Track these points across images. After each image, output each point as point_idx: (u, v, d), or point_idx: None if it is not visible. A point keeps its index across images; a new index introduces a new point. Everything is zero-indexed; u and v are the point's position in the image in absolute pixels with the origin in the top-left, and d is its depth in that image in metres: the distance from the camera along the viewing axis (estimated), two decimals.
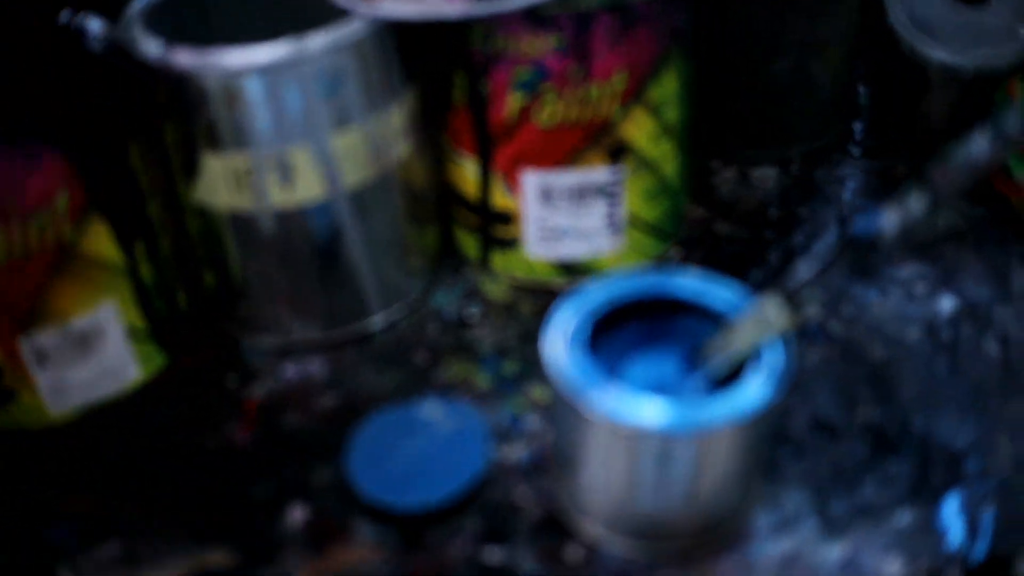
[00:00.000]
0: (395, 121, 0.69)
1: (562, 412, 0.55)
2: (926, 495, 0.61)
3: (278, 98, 0.63)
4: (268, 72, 0.62)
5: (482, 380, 0.72)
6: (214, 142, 0.64)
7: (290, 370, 0.74)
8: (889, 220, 0.49)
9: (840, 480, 0.62)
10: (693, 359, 0.57)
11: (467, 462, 0.65)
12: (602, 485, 0.56)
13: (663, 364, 0.59)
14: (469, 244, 0.79)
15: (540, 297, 0.78)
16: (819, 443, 0.66)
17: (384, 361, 0.75)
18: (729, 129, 0.89)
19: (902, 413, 0.67)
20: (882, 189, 0.88)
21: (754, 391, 0.52)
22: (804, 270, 0.53)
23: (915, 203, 0.47)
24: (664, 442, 0.51)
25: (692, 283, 0.59)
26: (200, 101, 0.63)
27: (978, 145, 0.46)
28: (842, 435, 0.66)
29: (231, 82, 0.62)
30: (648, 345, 0.60)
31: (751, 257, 0.81)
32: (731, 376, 0.55)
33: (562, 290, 0.78)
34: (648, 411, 0.51)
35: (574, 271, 0.76)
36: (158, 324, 0.71)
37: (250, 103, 0.63)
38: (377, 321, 0.77)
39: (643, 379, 0.58)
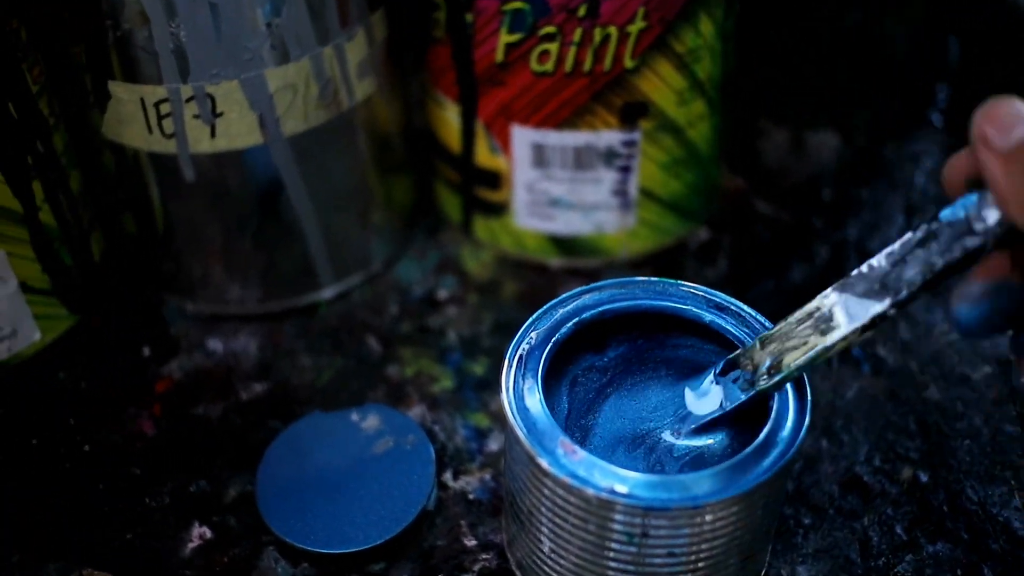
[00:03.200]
0: (354, 53, 0.60)
1: (518, 464, 0.48)
2: None
3: (200, 17, 0.55)
4: None
5: (443, 380, 0.63)
6: (124, 68, 0.57)
7: (215, 345, 0.65)
8: None
9: (869, 561, 0.54)
10: (721, 375, 0.50)
11: (405, 495, 0.56)
12: (548, 548, 0.49)
13: (649, 401, 0.52)
14: (450, 204, 0.71)
15: (528, 276, 0.69)
16: (848, 509, 0.56)
17: (328, 343, 0.65)
18: (782, 82, 0.79)
19: (955, 478, 0.57)
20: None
21: (760, 451, 0.45)
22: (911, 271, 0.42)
23: None
24: (644, 515, 0.44)
25: (696, 298, 0.52)
26: (108, 14, 0.55)
27: None
28: (877, 501, 0.56)
29: None
30: (634, 375, 0.52)
31: (794, 248, 0.71)
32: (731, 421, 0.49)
33: (556, 269, 0.69)
34: (626, 476, 0.44)
35: (572, 249, 0.68)
36: (62, 278, 0.63)
37: (164, 21, 0.54)
38: (326, 292, 0.67)
39: (623, 425, 0.51)
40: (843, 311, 0.43)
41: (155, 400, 0.62)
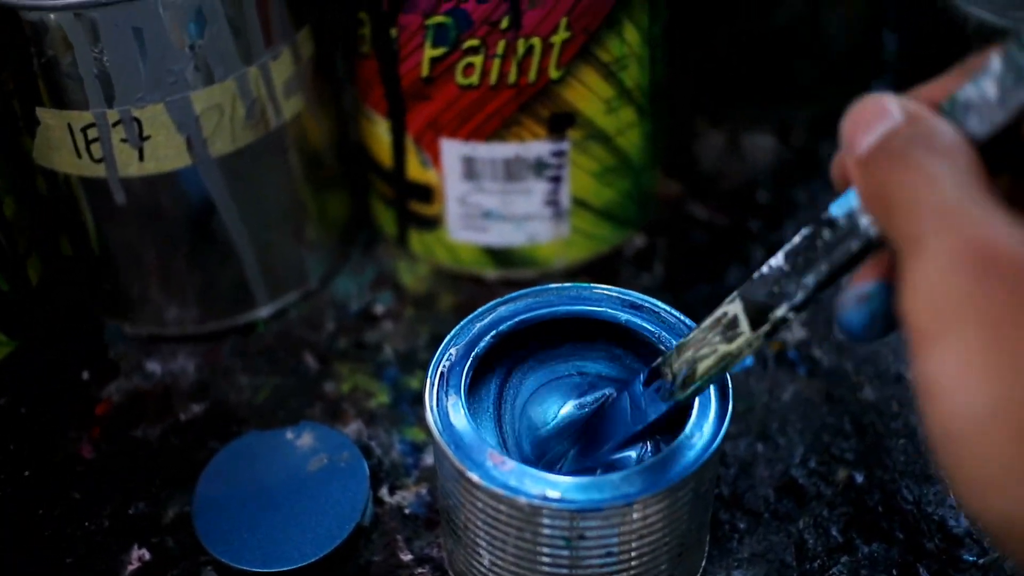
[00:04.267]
0: (280, 72, 0.60)
1: (449, 481, 0.48)
2: None
3: (123, 41, 0.54)
4: (110, 7, 0.53)
5: (379, 395, 0.62)
6: (51, 94, 0.56)
7: (155, 366, 0.65)
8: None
9: (804, 564, 0.53)
10: (645, 385, 0.49)
11: (340, 511, 0.55)
12: (488, 561, 0.49)
13: (570, 405, 0.52)
14: (386, 218, 0.70)
15: (465, 288, 0.68)
16: (784, 512, 0.55)
17: (265, 361, 0.65)
18: (717, 84, 0.79)
19: (891, 477, 0.57)
20: None
21: (685, 446, 0.45)
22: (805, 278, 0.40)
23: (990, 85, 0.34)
24: (577, 517, 0.44)
25: (611, 299, 0.52)
26: (32, 40, 0.54)
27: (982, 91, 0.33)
28: (813, 504, 0.56)
29: (65, 18, 0.53)
30: (556, 383, 0.53)
31: (730, 252, 0.70)
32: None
33: (492, 281, 0.68)
34: (556, 480, 0.44)
35: (507, 261, 0.68)
36: (0, 303, 0.62)
37: (87, 47, 0.54)
38: (262, 311, 0.67)
39: (548, 431, 0.51)
40: (745, 315, 0.42)
41: (94, 423, 0.61)
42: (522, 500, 0.43)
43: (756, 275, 0.41)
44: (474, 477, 0.44)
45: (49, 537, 0.56)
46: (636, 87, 0.62)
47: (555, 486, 0.44)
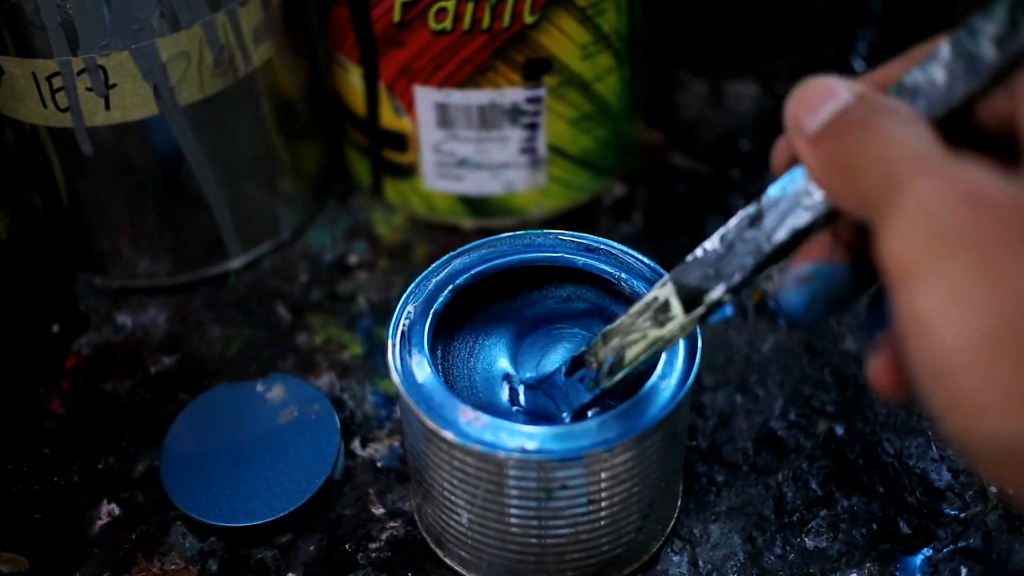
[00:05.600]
0: (249, 18, 0.59)
1: (420, 442, 0.47)
2: (889, 546, 0.51)
3: None
4: None
5: (353, 347, 0.61)
6: (15, 42, 0.55)
7: (124, 319, 0.64)
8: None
9: (783, 518, 0.53)
10: (567, 375, 0.48)
11: (311, 465, 0.54)
12: (467, 519, 0.48)
13: (539, 359, 0.51)
14: (360, 168, 0.69)
15: (441, 238, 0.67)
16: (762, 465, 0.55)
17: (238, 312, 0.64)
18: (698, 34, 0.77)
19: (872, 430, 0.56)
20: None
21: (651, 395, 0.45)
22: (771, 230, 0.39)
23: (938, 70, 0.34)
24: (542, 468, 0.44)
25: (566, 244, 0.51)
26: None
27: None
28: (792, 456, 0.55)
29: None
30: (523, 334, 0.52)
31: (710, 201, 0.69)
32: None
33: (469, 230, 0.68)
34: (532, 431, 0.44)
35: (483, 210, 0.67)
36: None
37: None
38: (234, 262, 0.66)
39: (512, 383, 0.51)
40: (678, 299, 0.41)
41: (64, 377, 0.60)
42: (500, 455, 0.43)
43: (689, 258, 0.40)
44: (449, 436, 0.43)
45: (18, 493, 0.55)
46: (613, 32, 0.61)
47: (531, 437, 0.43)
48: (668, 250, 0.64)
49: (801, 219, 0.36)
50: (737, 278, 0.38)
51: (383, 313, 0.63)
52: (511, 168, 0.64)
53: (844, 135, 0.33)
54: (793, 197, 0.36)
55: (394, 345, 0.47)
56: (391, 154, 0.65)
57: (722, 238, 0.38)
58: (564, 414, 0.47)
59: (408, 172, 0.65)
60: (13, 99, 0.57)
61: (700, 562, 0.51)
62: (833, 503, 0.53)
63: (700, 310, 0.40)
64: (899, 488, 0.53)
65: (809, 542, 0.51)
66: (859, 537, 0.51)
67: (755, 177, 0.70)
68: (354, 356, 0.60)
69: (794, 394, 0.57)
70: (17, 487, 0.55)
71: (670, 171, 0.71)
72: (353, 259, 0.66)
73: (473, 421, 0.44)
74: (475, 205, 0.66)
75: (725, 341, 0.59)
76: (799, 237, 0.36)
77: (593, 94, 0.63)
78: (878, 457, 0.54)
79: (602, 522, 0.46)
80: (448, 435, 0.43)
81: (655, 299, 0.42)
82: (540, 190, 0.65)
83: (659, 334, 0.42)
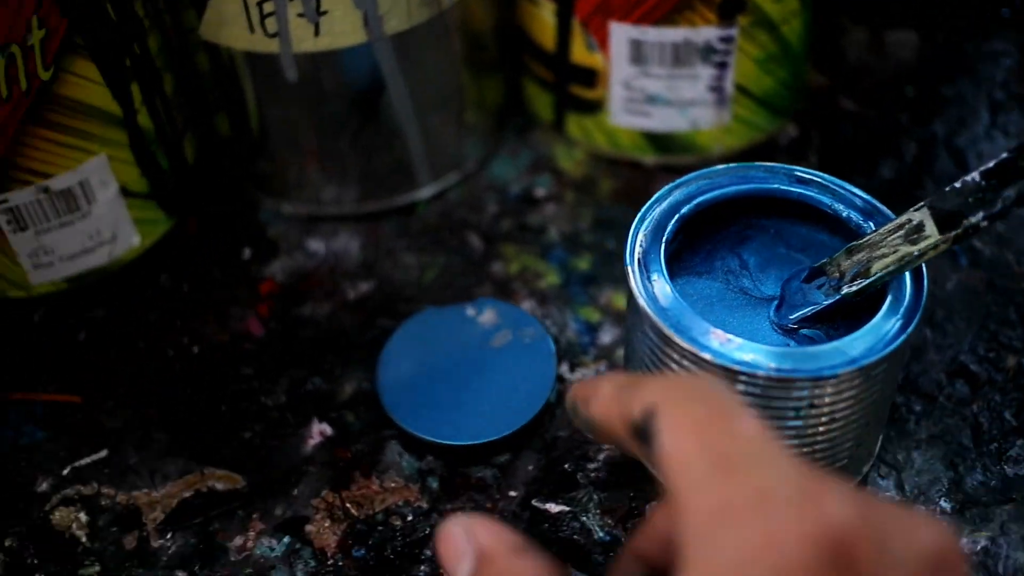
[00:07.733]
0: None
1: (653, 357, 0.47)
2: None
3: None
4: None
5: (548, 276, 0.62)
6: None
7: (316, 245, 0.65)
8: None
9: (981, 447, 0.54)
10: (805, 282, 0.50)
11: (528, 387, 0.55)
12: None
13: (767, 285, 0.52)
14: (541, 103, 0.70)
15: (623, 173, 0.68)
16: (957, 397, 0.56)
17: (429, 242, 0.65)
18: None
19: None
20: None
21: (876, 330, 0.45)
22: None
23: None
24: (768, 386, 0.44)
25: (811, 183, 0.51)
26: None
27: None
28: (985, 388, 0.56)
29: None
30: (752, 260, 0.53)
31: (882, 145, 0.70)
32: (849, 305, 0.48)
33: (650, 166, 0.68)
34: (778, 352, 0.44)
35: (667, 146, 0.67)
36: (160, 181, 0.62)
37: None
38: (423, 192, 0.66)
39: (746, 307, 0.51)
40: (933, 222, 0.43)
41: (260, 300, 0.61)
42: (760, 374, 0.43)
43: (947, 188, 0.42)
44: (708, 357, 0.44)
45: (225, 412, 0.56)
46: None
47: (782, 359, 0.44)
48: None
49: None
50: (999, 207, 0.40)
51: (574, 244, 0.63)
52: (698, 105, 0.64)
53: None
54: None
55: (634, 272, 0.47)
56: (578, 89, 0.66)
57: (983, 173, 0.41)
58: (785, 318, 0.49)
59: (594, 108, 0.66)
60: (218, 24, 0.58)
61: (907, 486, 0.52)
62: None
63: (956, 231, 0.42)
64: None
65: (1009, 470, 0.52)
66: None
67: (923, 123, 0.70)
68: (551, 285, 0.61)
69: (980, 330, 0.58)
70: (223, 407, 0.56)
71: (839, 114, 0.72)
72: (540, 191, 0.67)
73: (727, 343, 0.44)
74: (659, 141, 0.66)
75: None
76: None
77: (779, 36, 0.63)
78: None
79: (826, 442, 0.47)
80: (707, 357, 0.44)
81: (909, 220, 0.44)
82: (723, 128, 0.66)
83: (909, 251, 0.44)
